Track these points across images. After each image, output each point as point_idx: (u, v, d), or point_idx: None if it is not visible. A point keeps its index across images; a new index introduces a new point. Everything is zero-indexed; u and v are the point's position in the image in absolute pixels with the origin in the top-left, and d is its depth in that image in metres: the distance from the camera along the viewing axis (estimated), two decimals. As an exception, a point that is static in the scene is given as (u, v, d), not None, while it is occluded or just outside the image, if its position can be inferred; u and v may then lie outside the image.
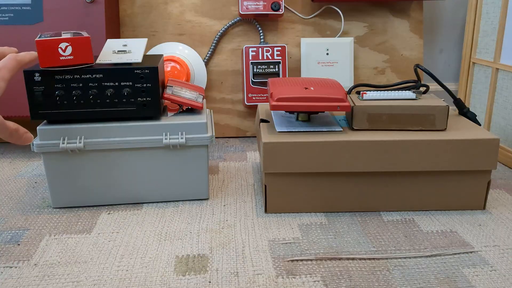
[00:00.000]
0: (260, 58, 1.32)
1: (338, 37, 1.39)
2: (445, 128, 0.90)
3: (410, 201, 0.91)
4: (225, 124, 1.41)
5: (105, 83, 0.87)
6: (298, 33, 1.39)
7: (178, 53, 1.33)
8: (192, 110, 0.99)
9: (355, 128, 0.91)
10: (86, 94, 0.87)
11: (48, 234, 0.84)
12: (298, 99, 0.86)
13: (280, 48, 1.32)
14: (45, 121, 0.91)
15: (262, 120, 0.98)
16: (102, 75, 0.87)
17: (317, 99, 0.87)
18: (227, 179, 1.09)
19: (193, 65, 1.33)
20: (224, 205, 0.95)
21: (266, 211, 0.91)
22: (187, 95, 0.96)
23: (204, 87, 1.35)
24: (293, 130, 0.90)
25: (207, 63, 1.38)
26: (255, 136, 1.40)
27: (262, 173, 0.96)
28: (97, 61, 0.90)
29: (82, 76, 0.87)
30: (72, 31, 0.90)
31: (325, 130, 0.91)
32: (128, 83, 0.88)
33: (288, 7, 1.37)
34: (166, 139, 0.90)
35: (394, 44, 1.42)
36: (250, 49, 1.32)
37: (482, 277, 0.71)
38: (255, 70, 1.33)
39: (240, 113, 1.40)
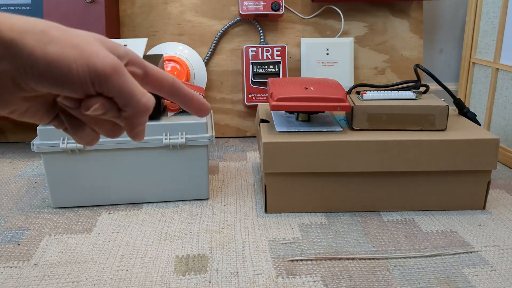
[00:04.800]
0: (260, 58, 1.32)
1: (338, 37, 1.39)
2: (445, 128, 0.90)
3: (410, 201, 0.91)
4: (225, 124, 1.41)
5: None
6: (298, 33, 1.39)
7: (178, 53, 1.33)
8: (192, 110, 0.99)
9: (355, 128, 0.91)
10: (86, 94, 0.87)
11: (48, 234, 0.84)
12: (298, 99, 0.86)
13: (280, 48, 1.32)
14: (45, 121, 0.91)
15: (262, 120, 0.98)
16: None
17: (317, 99, 0.87)
18: (227, 179, 1.09)
19: (193, 65, 1.33)
20: (224, 205, 0.95)
21: (266, 211, 0.91)
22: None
23: (204, 87, 1.35)
24: (293, 130, 0.90)
25: (207, 63, 1.38)
26: (255, 136, 1.40)
27: (262, 173, 0.96)
28: (97, 61, 0.90)
29: None
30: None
31: (325, 130, 0.91)
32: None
33: (288, 7, 1.37)
34: (166, 139, 0.90)
35: (394, 44, 1.42)
36: (250, 49, 1.32)
37: (482, 277, 0.71)
38: (255, 70, 1.33)
39: (240, 113, 1.40)
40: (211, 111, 1.09)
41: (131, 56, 0.31)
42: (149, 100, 0.30)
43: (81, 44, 0.27)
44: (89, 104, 0.28)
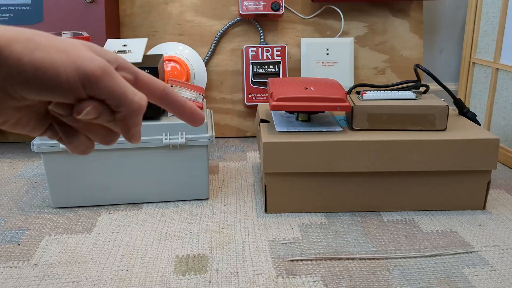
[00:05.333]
0: (260, 58, 1.32)
1: (338, 37, 1.39)
2: (445, 128, 0.90)
3: (410, 201, 0.91)
4: (225, 124, 1.41)
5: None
6: (298, 33, 1.39)
7: (178, 53, 1.33)
8: (192, 110, 0.99)
9: (355, 128, 0.91)
10: (86, 94, 0.87)
11: (48, 234, 0.84)
12: (298, 99, 0.86)
13: (280, 48, 1.32)
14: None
15: (262, 120, 0.98)
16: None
17: (317, 99, 0.87)
18: (227, 179, 1.09)
19: (193, 65, 1.33)
20: (224, 205, 0.95)
21: (266, 211, 0.91)
22: (187, 95, 0.96)
23: (204, 87, 1.35)
24: (293, 130, 0.90)
25: (207, 63, 1.38)
26: (255, 136, 1.40)
27: (262, 173, 0.96)
28: (97, 61, 0.90)
29: None
30: (72, 31, 0.90)
31: (325, 130, 0.91)
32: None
33: (288, 7, 1.37)
34: (166, 139, 0.90)
35: (394, 44, 1.42)
36: (250, 49, 1.32)
37: (482, 277, 0.71)
38: (255, 70, 1.33)
39: (240, 113, 1.40)
40: (211, 111, 1.09)
41: (120, 62, 0.31)
42: (141, 98, 0.29)
43: (68, 49, 0.27)
44: (81, 108, 0.28)
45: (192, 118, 0.35)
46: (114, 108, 0.29)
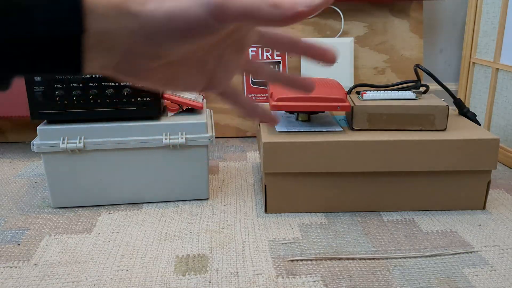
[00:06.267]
0: (260, 58, 1.32)
1: (338, 37, 1.39)
2: (445, 128, 0.90)
3: (410, 201, 0.91)
4: (225, 124, 1.41)
5: (105, 83, 0.88)
6: (298, 33, 1.39)
7: (178, 53, 1.33)
8: (192, 110, 0.99)
9: (355, 128, 0.91)
10: (86, 94, 0.87)
11: (48, 234, 0.84)
12: (298, 99, 0.86)
13: (280, 48, 1.32)
14: (45, 121, 0.91)
15: (262, 120, 0.98)
16: (102, 75, 0.87)
17: (317, 99, 0.87)
18: (227, 179, 1.09)
19: (193, 65, 1.33)
20: (224, 205, 0.95)
21: (266, 211, 0.91)
22: (187, 95, 0.96)
23: (204, 87, 1.34)
24: (293, 130, 0.90)
25: (207, 63, 1.37)
26: (255, 136, 1.40)
27: (262, 173, 0.96)
28: (97, 61, 0.90)
29: (82, 76, 0.87)
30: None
31: (325, 130, 0.91)
32: (128, 83, 0.88)
33: (288, 7, 1.37)
34: (166, 139, 0.90)
35: (394, 44, 1.42)
36: (250, 49, 1.32)
37: (482, 277, 0.71)
38: (255, 70, 1.33)
39: (240, 113, 1.40)
40: (211, 111, 1.09)
41: None
42: None
43: None
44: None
45: (324, 56, 0.35)
46: (263, 23, 0.29)
